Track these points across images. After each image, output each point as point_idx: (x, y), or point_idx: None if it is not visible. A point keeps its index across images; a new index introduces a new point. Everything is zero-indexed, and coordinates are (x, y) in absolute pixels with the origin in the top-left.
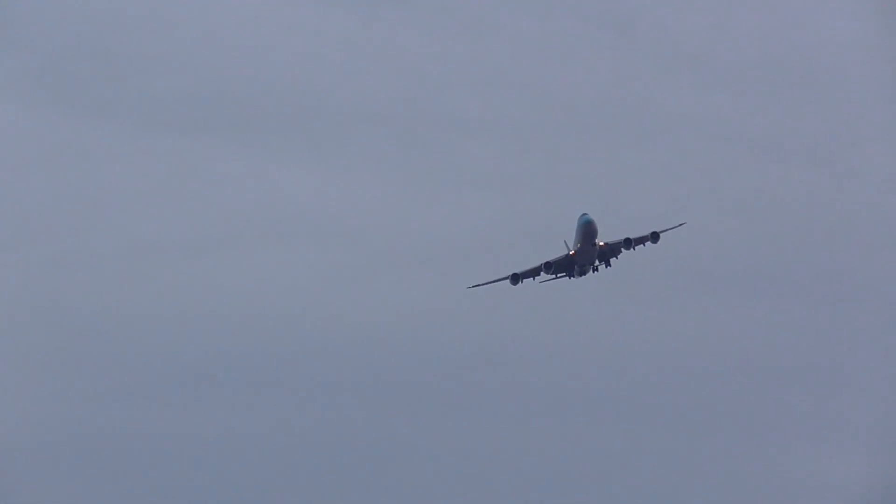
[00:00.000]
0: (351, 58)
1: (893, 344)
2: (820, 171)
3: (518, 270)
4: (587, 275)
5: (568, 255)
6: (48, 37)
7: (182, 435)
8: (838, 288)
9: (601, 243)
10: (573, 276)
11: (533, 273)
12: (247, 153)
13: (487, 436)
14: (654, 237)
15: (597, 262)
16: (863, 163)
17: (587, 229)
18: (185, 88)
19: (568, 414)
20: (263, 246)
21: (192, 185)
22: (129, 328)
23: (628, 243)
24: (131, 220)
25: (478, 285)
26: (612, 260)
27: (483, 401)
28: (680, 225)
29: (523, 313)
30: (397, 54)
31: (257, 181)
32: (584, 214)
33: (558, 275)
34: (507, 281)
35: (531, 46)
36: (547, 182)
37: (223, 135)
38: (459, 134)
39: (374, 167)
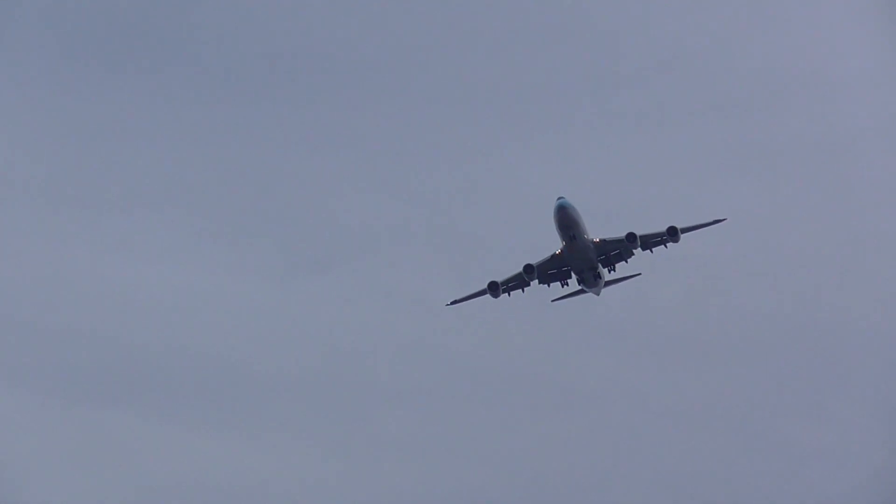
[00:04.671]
0: (267, 325)
1: None
2: (743, 444)
3: (497, 279)
4: (598, 285)
5: (555, 255)
6: None
7: None
8: None
9: (596, 239)
10: (566, 286)
11: (518, 282)
12: (163, 423)
13: None
14: (673, 234)
15: (599, 267)
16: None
17: (560, 216)
18: (99, 359)
19: None
20: None
21: (108, 457)
22: None
23: (633, 240)
24: (47, 492)
25: (457, 301)
26: (622, 264)
27: None
28: (717, 221)
29: None
30: (314, 322)
31: (174, 451)
32: (560, 198)
33: (551, 284)
34: (488, 295)
35: (449, 315)
36: (466, 452)
37: (139, 405)
38: (378, 402)
39: (292, 435)
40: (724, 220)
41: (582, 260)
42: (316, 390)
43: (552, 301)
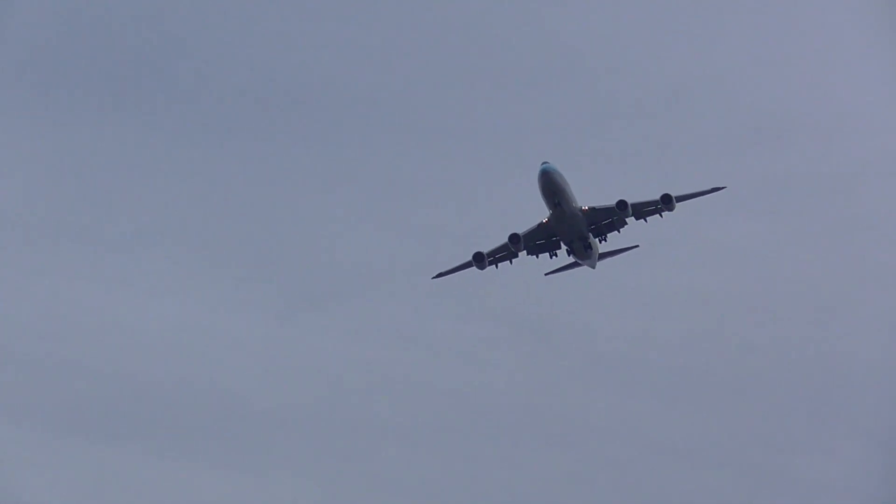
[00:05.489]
0: (268, 361)
1: None
2: (749, 479)
3: (483, 249)
4: (591, 257)
5: (541, 224)
6: None
7: None
8: None
9: (584, 207)
10: (555, 258)
11: (505, 252)
12: (163, 458)
13: None
14: (667, 202)
15: (590, 237)
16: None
17: (543, 182)
18: (99, 394)
19: None
20: None
21: (109, 492)
22: None
23: (624, 208)
24: None
25: (442, 274)
26: (613, 234)
27: None
28: (715, 189)
29: None
30: (315, 359)
31: (174, 487)
32: (544, 163)
33: (540, 256)
34: (474, 267)
35: (450, 351)
36: (466, 489)
37: (139, 440)
38: (378, 439)
39: (292, 471)
40: (723, 188)
41: (570, 229)
42: (316, 427)
43: (545, 274)
